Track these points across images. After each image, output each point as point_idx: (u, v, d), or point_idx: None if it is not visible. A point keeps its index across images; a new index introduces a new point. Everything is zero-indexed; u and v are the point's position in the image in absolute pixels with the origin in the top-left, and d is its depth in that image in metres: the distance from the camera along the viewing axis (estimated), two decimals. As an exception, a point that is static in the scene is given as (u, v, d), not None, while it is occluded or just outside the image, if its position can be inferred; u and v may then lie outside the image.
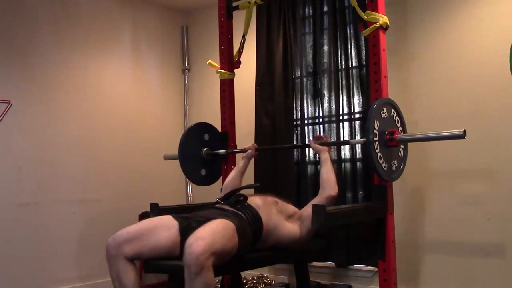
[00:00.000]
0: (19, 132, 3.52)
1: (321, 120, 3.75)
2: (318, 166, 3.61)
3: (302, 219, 2.51)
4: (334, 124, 3.65)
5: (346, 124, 3.64)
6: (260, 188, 2.73)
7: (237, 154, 3.31)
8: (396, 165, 2.54)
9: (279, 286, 3.81)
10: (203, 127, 3.30)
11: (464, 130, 2.32)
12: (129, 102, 4.26)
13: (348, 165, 3.58)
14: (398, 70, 3.39)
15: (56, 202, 3.68)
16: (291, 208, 2.65)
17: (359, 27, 2.77)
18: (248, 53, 3.64)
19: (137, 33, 4.40)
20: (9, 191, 3.45)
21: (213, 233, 2.02)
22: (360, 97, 3.58)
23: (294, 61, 3.89)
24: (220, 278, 3.32)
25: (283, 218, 2.51)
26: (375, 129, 2.39)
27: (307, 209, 2.53)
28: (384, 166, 2.43)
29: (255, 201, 2.49)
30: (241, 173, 2.99)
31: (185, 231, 2.18)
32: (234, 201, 2.47)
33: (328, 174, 2.61)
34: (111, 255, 2.17)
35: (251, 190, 2.77)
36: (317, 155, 3.04)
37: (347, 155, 3.58)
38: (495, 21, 3.10)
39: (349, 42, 3.63)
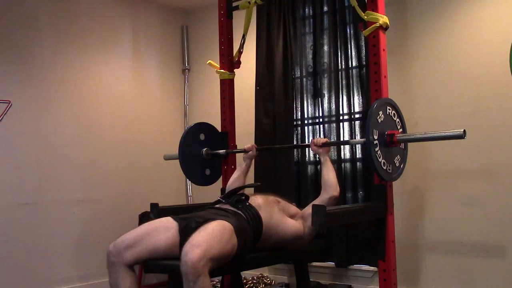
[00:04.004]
0: (19, 132, 3.52)
1: (321, 120, 3.75)
2: (318, 166, 3.62)
3: (305, 218, 2.51)
4: (334, 124, 3.65)
5: (346, 124, 3.63)
6: (261, 188, 2.73)
7: (237, 154, 3.31)
8: (396, 165, 2.54)
9: (279, 286, 3.81)
10: (203, 127, 3.30)
11: (464, 130, 2.32)
12: (129, 102, 4.26)
13: (348, 165, 3.58)
14: (398, 70, 3.39)
15: (56, 202, 3.68)
16: (293, 208, 2.65)
17: (359, 27, 2.77)
18: (248, 53, 3.64)
19: (137, 33, 4.40)
20: (9, 191, 3.45)
21: (209, 238, 2.02)
22: (360, 97, 3.58)
23: (294, 61, 3.89)
24: (220, 278, 3.32)
25: (285, 216, 2.51)
26: (375, 129, 2.40)
27: (309, 209, 2.53)
28: (384, 166, 2.43)
29: (257, 200, 2.49)
30: (244, 173, 3.00)
31: (184, 231, 2.19)
32: (235, 200, 2.47)
33: (329, 175, 2.61)
34: (111, 262, 2.18)
35: (252, 190, 2.77)
36: (318, 156, 3.04)
37: (347, 155, 3.58)
38: (495, 21, 3.10)
39: (349, 42, 3.63)
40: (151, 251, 2.19)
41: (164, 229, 2.23)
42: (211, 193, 3.34)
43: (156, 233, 2.21)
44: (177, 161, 3.17)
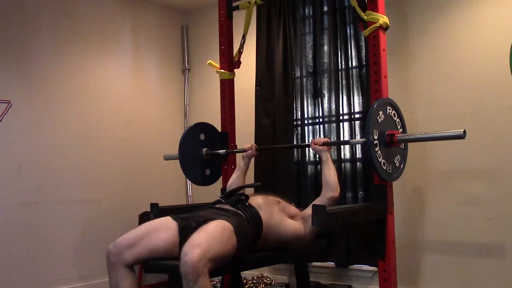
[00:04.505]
0: (19, 132, 3.52)
1: (321, 120, 3.75)
2: (318, 166, 3.62)
3: (305, 219, 2.51)
4: (334, 124, 3.65)
5: (346, 124, 3.63)
6: (260, 188, 2.73)
7: (237, 154, 3.31)
8: (396, 165, 2.54)
9: (279, 286, 3.81)
10: (203, 127, 3.30)
11: (464, 130, 2.32)
12: (129, 102, 4.26)
13: (348, 165, 3.58)
14: (398, 70, 3.39)
15: (56, 202, 3.68)
16: (293, 209, 2.65)
17: (359, 27, 2.77)
18: (248, 53, 3.64)
19: (137, 33, 4.40)
20: (9, 191, 3.45)
21: (209, 238, 2.02)
22: (360, 97, 3.58)
23: (294, 61, 3.89)
24: (220, 278, 3.32)
25: (285, 216, 2.51)
26: (375, 129, 2.39)
27: (310, 209, 2.53)
28: (384, 166, 2.43)
29: (257, 200, 2.49)
30: (243, 173, 3.00)
31: (184, 231, 2.20)
32: (235, 200, 2.47)
33: (330, 175, 2.61)
34: (111, 262, 2.18)
35: (252, 190, 2.77)
36: (318, 155, 3.03)
37: (347, 155, 3.58)
38: (495, 21, 3.10)
39: (349, 42, 3.63)
40: (150, 251, 2.19)
41: (164, 228, 2.24)
42: (211, 193, 3.33)
43: (155, 233, 2.22)
44: (177, 161, 3.17)
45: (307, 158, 3.77)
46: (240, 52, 3.38)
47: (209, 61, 3.42)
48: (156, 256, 2.20)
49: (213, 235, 2.05)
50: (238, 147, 3.38)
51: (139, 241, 2.19)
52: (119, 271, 2.17)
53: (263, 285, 3.81)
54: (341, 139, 3.60)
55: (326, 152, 2.70)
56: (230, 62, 3.40)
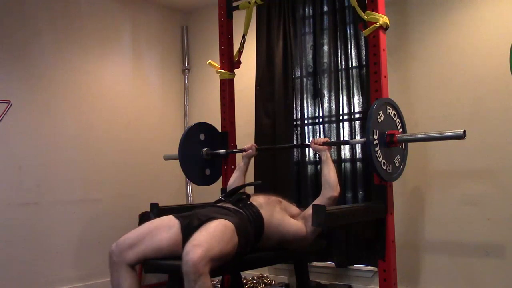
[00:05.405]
0: (19, 132, 3.52)
1: (321, 120, 3.75)
2: (318, 166, 3.62)
3: (306, 218, 2.51)
4: (334, 124, 3.65)
5: (346, 124, 3.63)
6: (261, 188, 2.73)
7: (237, 154, 3.31)
8: (396, 165, 2.54)
9: (279, 286, 3.81)
10: (203, 127, 3.30)
11: (464, 130, 2.32)
12: (129, 102, 4.26)
13: (348, 165, 3.58)
14: (398, 70, 3.39)
15: (56, 202, 3.68)
16: (294, 208, 2.65)
17: (359, 27, 2.77)
18: (248, 53, 3.64)
19: (137, 33, 4.40)
20: (9, 191, 3.45)
21: (211, 237, 2.02)
22: (360, 97, 3.58)
23: (294, 61, 3.89)
24: (220, 278, 3.33)
25: (286, 215, 2.51)
26: (375, 129, 2.40)
27: (310, 209, 2.53)
28: (384, 166, 2.43)
29: (258, 199, 2.49)
30: (243, 173, 3.00)
31: (187, 229, 2.20)
32: (236, 199, 2.48)
33: (330, 174, 2.61)
34: (113, 262, 2.18)
35: (253, 190, 2.77)
36: (318, 155, 3.03)
37: (347, 155, 3.58)
38: (495, 21, 3.10)
39: (349, 42, 3.63)
40: (153, 250, 2.19)
41: (166, 227, 2.24)
42: (211, 193, 3.34)
43: (158, 232, 2.22)
44: (177, 161, 3.17)
45: (307, 158, 3.77)
46: (240, 52, 3.38)
47: (209, 61, 3.42)
48: (158, 255, 2.20)
49: (215, 235, 2.05)
50: (238, 147, 3.38)
51: (141, 240, 2.19)
52: (121, 271, 2.17)
53: (263, 285, 3.81)
54: (341, 139, 3.60)
55: (326, 151, 2.70)
56: (230, 62, 3.41)
